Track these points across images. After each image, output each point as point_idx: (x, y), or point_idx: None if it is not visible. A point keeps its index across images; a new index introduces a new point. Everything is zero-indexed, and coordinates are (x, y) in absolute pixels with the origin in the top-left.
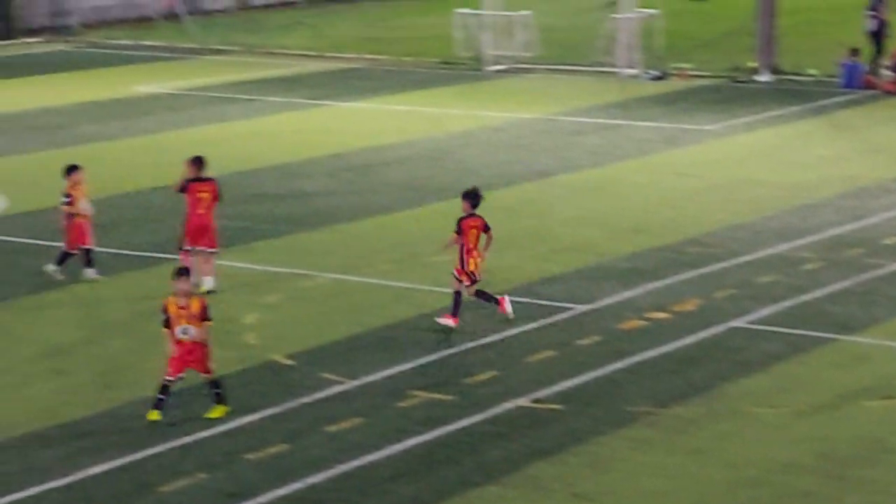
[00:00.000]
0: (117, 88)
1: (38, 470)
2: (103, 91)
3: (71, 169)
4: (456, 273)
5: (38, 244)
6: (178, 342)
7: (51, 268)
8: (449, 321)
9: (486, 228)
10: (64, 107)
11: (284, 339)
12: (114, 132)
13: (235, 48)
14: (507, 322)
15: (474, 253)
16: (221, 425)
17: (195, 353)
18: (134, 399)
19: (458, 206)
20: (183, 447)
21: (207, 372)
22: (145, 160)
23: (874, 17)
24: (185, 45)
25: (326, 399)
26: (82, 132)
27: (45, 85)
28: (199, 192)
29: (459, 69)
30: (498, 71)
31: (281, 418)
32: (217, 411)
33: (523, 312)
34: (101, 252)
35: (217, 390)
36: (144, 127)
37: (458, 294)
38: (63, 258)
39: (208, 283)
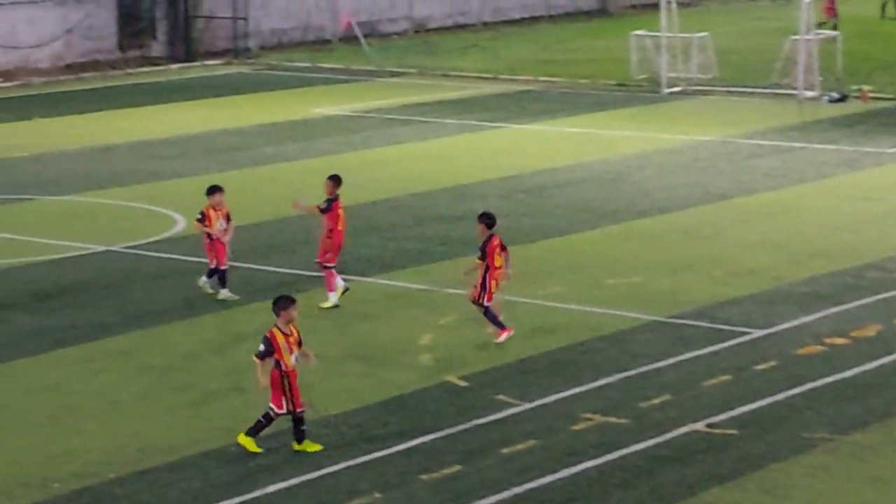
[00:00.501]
0: (295, 110)
1: (217, 487)
2: (281, 113)
3: (211, 190)
4: (474, 297)
5: None
6: (291, 371)
7: (203, 280)
8: (505, 334)
9: (503, 247)
10: (243, 128)
11: (459, 360)
12: (291, 153)
13: (411, 70)
14: (683, 345)
15: (496, 273)
16: (396, 445)
17: (295, 382)
18: (312, 418)
19: (633, 229)
20: (359, 466)
21: (300, 405)
22: (322, 181)
23: None
24: (362, 68)
25: (500, 421)
26: (261, 153)
27: (224, 107)
28: (340, 208)
29: (635, 91)
30: (674, 93)
31: (455, 439)
32: (313, 446)
33: (699, 336)
34: (282, 272)
35: (302, 427)
36: (321, 148)
37: (487, 309)
38: (211, 273)
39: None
